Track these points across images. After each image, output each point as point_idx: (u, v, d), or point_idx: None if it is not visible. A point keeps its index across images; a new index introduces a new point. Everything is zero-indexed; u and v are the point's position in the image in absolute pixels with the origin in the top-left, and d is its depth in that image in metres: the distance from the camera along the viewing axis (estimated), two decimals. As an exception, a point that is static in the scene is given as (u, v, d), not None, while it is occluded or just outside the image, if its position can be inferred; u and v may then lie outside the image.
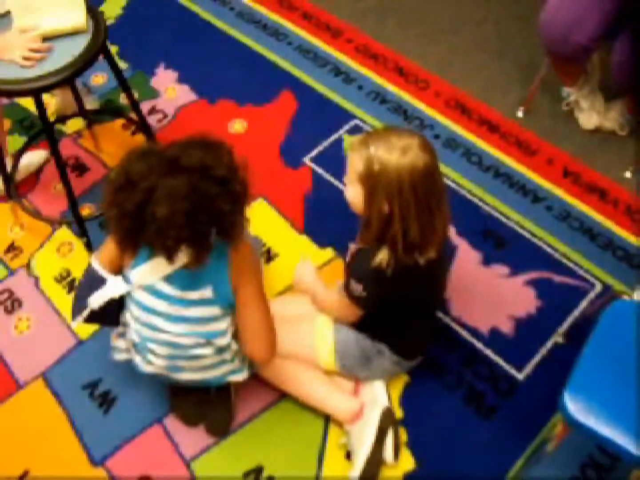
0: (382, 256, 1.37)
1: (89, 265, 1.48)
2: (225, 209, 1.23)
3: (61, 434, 1.66)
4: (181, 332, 1.40)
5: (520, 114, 2.27)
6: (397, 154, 1.32)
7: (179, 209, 1.18)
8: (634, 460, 1.22)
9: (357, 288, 1.44)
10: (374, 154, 1.33)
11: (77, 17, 1.65)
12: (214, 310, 1.40)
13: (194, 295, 1.38)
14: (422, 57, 2.47)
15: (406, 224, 1.34)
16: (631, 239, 1.95)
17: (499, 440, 1.60)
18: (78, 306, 1.48)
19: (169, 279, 1.37)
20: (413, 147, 1.32)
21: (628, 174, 2.09)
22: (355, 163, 1.37)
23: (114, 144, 2.26)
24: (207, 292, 1.37)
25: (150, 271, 1.36)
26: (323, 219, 2.00)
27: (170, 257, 1.27)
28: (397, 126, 1.35)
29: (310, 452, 1.60)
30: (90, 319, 1.49)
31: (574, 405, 1.27)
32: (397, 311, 1.50)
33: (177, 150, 1.24)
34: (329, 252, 1.94)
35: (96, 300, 1.43)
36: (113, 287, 1.42)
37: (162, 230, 1.20)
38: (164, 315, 1.40)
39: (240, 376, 1.53)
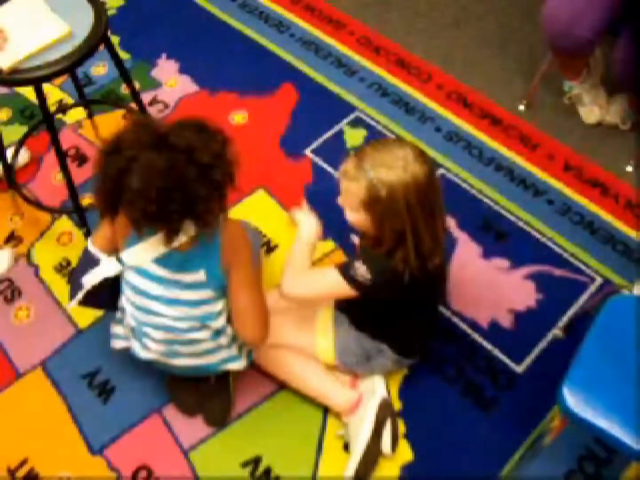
0: (399, 261, 1.36)
1: (85, 247, 1.49)
2: (201, 195, 1.23)
3: (60, 423, 1.66)
4: (176, 315, 1.41)
5: (521, 107, 2.26)
6: (398, 171, 1.29)
7: (152, 184, 1.20)
8: (631, 453, 1.23)
9: (364, 272, 1.38)
10: (374, 178, 1.30)
11: (59, 27, 1.60)
12: (208, 293, 1.41)
13: (187, 278, 1.38)
14: (424, 50, 2.46)
15: (418, 236, 1.33)
16: (632, 233, 1.94)
17: (498, 433, 1.60)
18: (74, 288, 1.49)
19: (160, 261, 1.37)
20: (410, 160, 1.31)
21: (629, 168, 2.08)
22: (355, 191, 1.33)
23: (114, 134, 2.26)
24: (199, 275, 1.38)
25: (141, 252, 1.37)
26: (323, 211, 1.98)
27: (138, 230, 1.28)
28: (383, 139, 1.31)
29: (308, 443, 1.60)
30: (86, 301, 1.50)
31: (572, 398, 1.27)
32: (399, 310, 1.49)
33: (169, 128, 1.26)
34: (329, 244, 1.94)
35: (90, 280, 1.45)
36: (106, 267, 1.43)
37: (132, 201, 1.22)
38: (158, 299, 1.40)
39: (238, 364, 1.53)
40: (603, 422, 1.24)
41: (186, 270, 1.38)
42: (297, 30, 2.55)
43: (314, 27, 2.56)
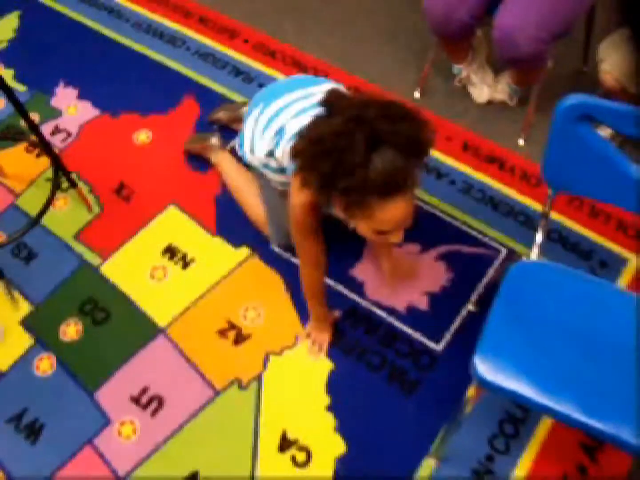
0: None
1: None
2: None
3: (-10, 471, 1.63)
4: None
5: (417, 94, 2.34)
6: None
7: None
8: (540, 407, 1.28)
9: None
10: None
11: None
12: None
13: None
14: (320, 49, 2.51)
15: None
16: (530, 203, 2.03)
17: (425, 413, 1.66)
18: None
19: None
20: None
21: (521, 142, 2.18)
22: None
23: (18, 168, 2.21)
24: None
25: None
26: (235, 219, 2.01)
27: None
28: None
29: (243, 451, 1.62)
30: None
31: (483, 365, 1.32)
32: None
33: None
34: (243, 252, 1.96)
35: None
36: None
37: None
38: None
39: None
40: (512, 384, 1.29)
41: None
42: (192, 44, 2.55)
43: (209, 39, 2.57)
